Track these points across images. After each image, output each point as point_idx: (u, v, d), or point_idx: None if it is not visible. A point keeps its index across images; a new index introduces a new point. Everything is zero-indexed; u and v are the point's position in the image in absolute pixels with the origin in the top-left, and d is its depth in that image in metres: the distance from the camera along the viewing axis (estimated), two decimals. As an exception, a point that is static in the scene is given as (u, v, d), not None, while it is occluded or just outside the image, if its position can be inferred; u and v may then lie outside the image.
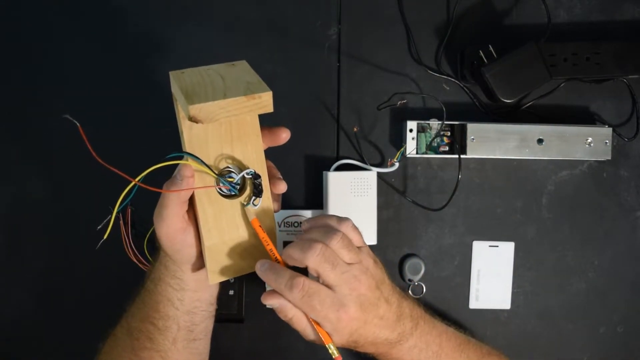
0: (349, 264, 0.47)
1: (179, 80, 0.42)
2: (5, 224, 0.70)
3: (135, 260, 0.66)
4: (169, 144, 0.67)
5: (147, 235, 0.67)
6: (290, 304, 0.46)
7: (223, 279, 0.49)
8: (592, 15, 0.71)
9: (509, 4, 0.70)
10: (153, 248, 0.67)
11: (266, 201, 0.48)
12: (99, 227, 0.60)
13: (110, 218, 0.45)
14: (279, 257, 0.47)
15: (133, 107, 0.69)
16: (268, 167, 0.49)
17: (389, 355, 0.51)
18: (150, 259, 0.66)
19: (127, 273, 0.66)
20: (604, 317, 0.71)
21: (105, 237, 0.46)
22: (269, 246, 0.47)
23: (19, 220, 0.69)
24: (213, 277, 0.48)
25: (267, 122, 0.50)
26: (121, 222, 0.67)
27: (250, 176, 0.47)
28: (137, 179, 0.42)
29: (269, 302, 0.47)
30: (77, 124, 0.41)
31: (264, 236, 0.47)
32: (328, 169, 0.68)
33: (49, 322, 0.69)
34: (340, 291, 0.46)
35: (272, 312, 0.67)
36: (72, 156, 0.70)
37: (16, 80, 0.71)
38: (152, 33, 0.70)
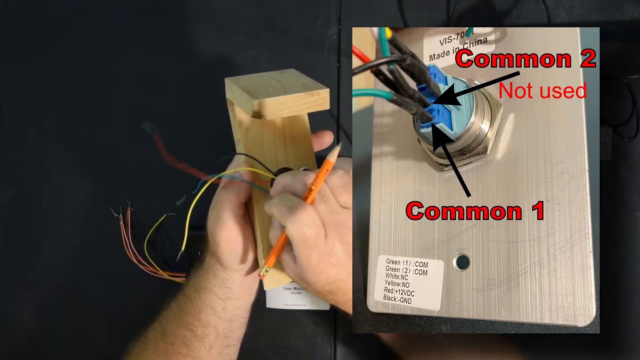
0: (342, 207, 0.41)
1: (236, 84, 0.43)
2: (5, 224, 0.70)
3: (135, 261, 0.66)
4: (167, 143, 0.68)
5: (147, 237, 0.67)
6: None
7: (277, 285, 0.48)
8: (592, 15, 0.70)
9: (509, 4, 0.70)
10: (153, 249, 0.67)
11: None
12: (178, 203, 0.49)
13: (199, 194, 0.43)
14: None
15: (131, 108, 0.69)
16: None
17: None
18: (150, 259, 0.66)
19: (127, 274, 0.67)
20: (603, 316, 0.71)
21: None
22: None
23: (19, 220, 0.70)
24: (268, 283, 0.47)
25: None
26: (121, 223, 0.67)
27: None
28: (214, 178, 0.43)
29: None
30: (156, 133, 0.42)
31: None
32: (328, 169, 0.67)
33: (49, 322, 0.69)
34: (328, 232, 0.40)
35: (273, 311, 0.67)
36: (72, 156, 0.70)
37: (15, 80, 0.71)
38: (152, 33, 0.70)
